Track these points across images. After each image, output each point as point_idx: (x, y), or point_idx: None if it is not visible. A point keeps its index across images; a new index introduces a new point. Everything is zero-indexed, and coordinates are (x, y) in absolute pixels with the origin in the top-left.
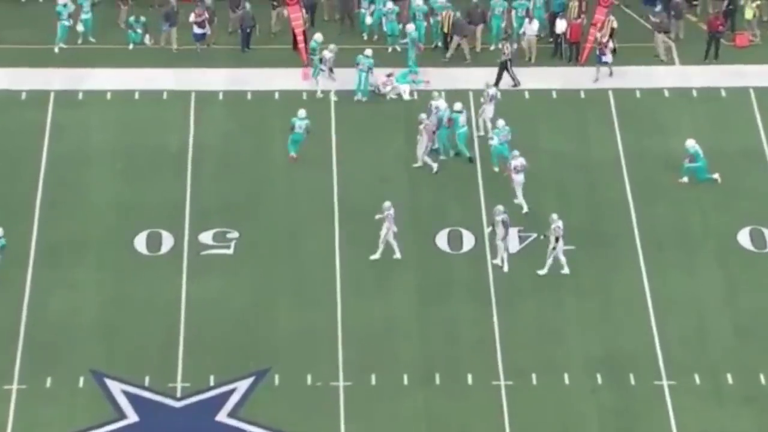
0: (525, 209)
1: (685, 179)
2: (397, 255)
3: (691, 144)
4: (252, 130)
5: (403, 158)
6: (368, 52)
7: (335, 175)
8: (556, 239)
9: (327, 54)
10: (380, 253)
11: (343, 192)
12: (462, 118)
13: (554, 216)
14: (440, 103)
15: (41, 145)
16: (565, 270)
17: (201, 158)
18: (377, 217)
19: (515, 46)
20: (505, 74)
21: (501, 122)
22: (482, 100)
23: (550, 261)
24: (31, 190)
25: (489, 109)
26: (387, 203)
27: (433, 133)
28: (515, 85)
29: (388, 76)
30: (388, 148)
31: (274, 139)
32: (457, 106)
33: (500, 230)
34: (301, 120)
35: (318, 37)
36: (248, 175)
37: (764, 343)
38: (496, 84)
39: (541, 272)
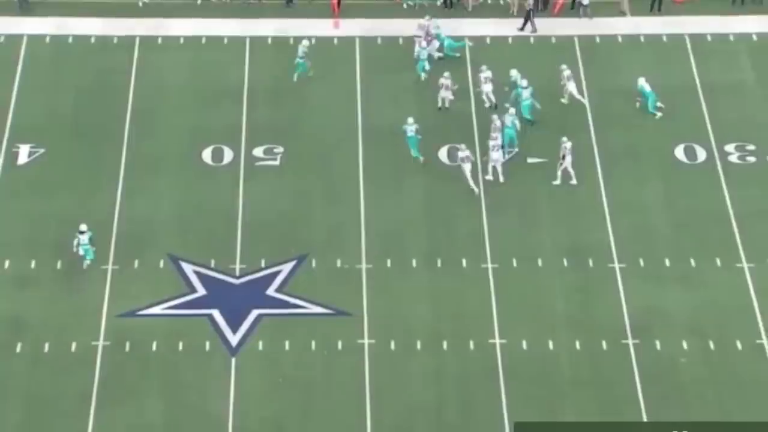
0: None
1: (659, 114)
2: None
3: (641, 82)
4: (293, 68)
5: (413, 92)
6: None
7: (359, 103)
8: (563, 156)
9: None
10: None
11: (365, 117)
12: (527, 93)
13: (564, 138)
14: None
15: (129, 81)
16: (574, 181)
17: (254, 90)
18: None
19: None
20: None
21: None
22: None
23: (559, 173)
24: (121, 116)
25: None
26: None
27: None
28: (533, 31)
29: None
30: (403, 84)
31: (310, 77)
32: (524, 82)
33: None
34: (410, 125)
35: (305, 42)
36: (291, 103)
37: (695, 235)
38: (522, 29)
39: (555, 182)
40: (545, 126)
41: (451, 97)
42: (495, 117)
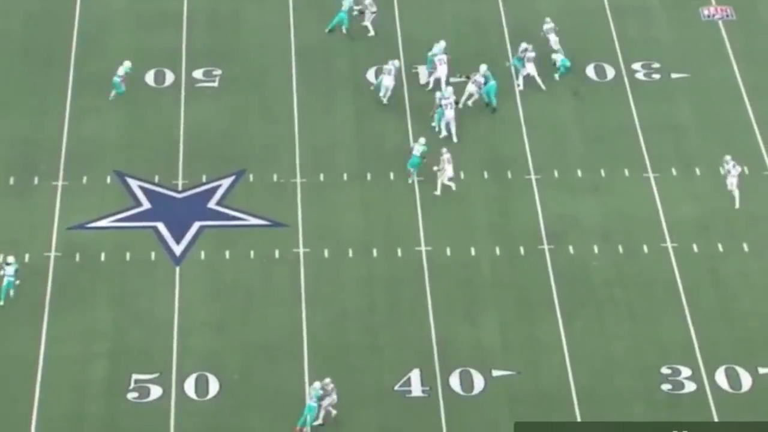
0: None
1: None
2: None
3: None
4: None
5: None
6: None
7: (292, 28)
8: (442, 168)
9: None
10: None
11: (298, 40)
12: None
13: (444, 149)
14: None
15: (74, 7)
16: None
17: (193, 16)
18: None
19: None
20: None
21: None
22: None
23: (440, 184)
24: (68, 41)
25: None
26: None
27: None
28: None
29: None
30: (333, 6)
31: (246, 3)
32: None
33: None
34: (421, 145)
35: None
36: (227, 28)
37: (605, 148)
38: None
39: (436, 192)
40: (469, 53)
41: (393, 84)
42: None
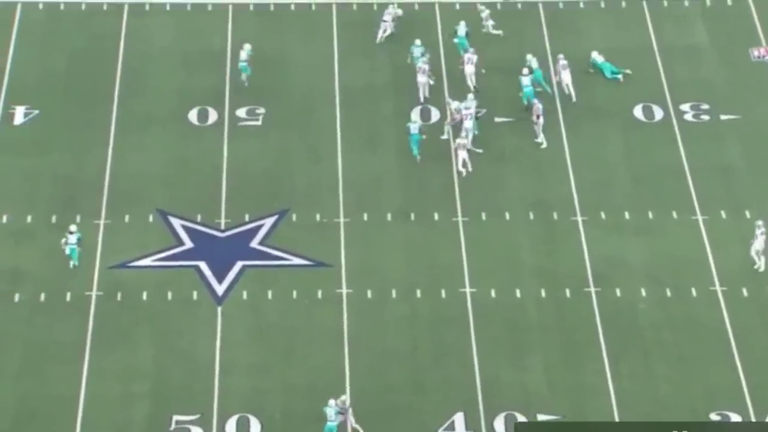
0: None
1: (620, 77)
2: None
3: (594, 55)
4: (274, 34)
5: (388, 56)
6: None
7: (336, 67)
8: (537, 116)
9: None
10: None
11: (342, 80)
12: (526, 80)
13: (536, 100)
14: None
15: (119, 45)
16: (542, 141)
17: (237, 55)
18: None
19: None
20: None
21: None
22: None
23: (538, 131)
24: (112, 79)
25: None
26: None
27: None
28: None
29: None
30: (377, 46)
31: (291, 40)
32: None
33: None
34: (414, 123)
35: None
36: (272, 67)
37: (652, 189)
38: None
39: (537, 140)
40: (513, 87)
41: (432, 82)
42: (449, 101)
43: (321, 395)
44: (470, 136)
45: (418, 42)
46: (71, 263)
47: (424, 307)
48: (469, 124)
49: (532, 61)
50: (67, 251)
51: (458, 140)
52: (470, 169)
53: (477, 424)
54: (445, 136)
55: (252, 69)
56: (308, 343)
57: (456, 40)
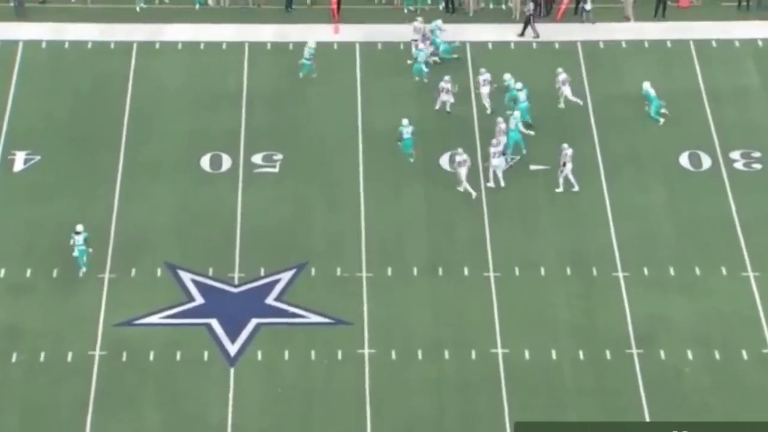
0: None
1: (662, 121)
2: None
3: (646, 86)
4: (292, 74)
5: (414, 98)
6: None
7: (359, 109)
8: (564, 164)
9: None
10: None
11: (365, 123)
12: (522, 95)
13: (564, 144)
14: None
15: (126, 85)
16: (576, 188)
17: (252, 96)
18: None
19: (532, 4)
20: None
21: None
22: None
23: (561, 180)
24: (119, 122)
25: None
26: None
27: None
28: (535, 37)
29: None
30: (403, 89)
31: (309, 81)
32: (518, 85)
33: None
34: (406, 127)
35: (311, 44)
36: (290, 109)
37: (699, 243)
38: (522, 34)
39: (558, 190)
40: (547, 132)
41: (452, 101)
42: (500, 119)
43: None
44: (500, 173)
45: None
46: (80, 271)
47: (452, 369)
48: (496, 161)
49: (510, 80)
50: (76, 253)
51: (458, 157)
52: (472, 194)
53: None
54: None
55: (264, 114)
56: (327, 408)
57: (440, 48)
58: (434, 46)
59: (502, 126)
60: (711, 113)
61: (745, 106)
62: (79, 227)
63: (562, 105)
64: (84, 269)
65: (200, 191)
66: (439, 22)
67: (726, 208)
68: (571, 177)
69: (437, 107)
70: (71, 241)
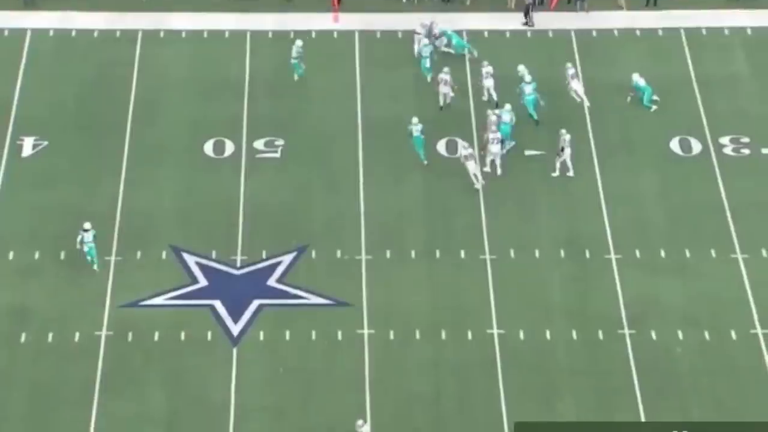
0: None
1: (654, 107)
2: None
3: (635, 77)
4: (293, 66)
5: (412, 86)
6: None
7: (359, 96)
8: (562, 149)
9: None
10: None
11: (364, 110)
12: (529, 88)
13: (563, 130)
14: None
15: (132, 73)
16: (571, 173)
17: (255, 83)
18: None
19: None
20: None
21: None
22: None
23: (558, 164)
24: (124, 109)
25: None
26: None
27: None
28: (530, 25)
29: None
30: (402, 77)
31: (310, 68)
32: (528, 77)
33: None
34: (416, 126)
35: (298, 43)
36: (291, 95)
37: (690, 227)
38: (527, 22)
39: (554, 174)
40: (542, 119)
41: (452, 94)
42: (490, 112)
43: None
44: (498, 161)
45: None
46: (94, 267)
47: (449, 349)
48: (495, 148)
49: (525, 72)
50: (86, 249)
51: (463, 151)
52: (482, 182)
53: None
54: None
55: (268, 100)
56: (328, 387)
57: (453, 41)
58: (447, 38)
59: (493, 118)
60: (701, 100)
61: (734, 93)
62: (87, 225)
63: (574, 97)
64: (96, 265)
65: (204, 176)
66: (447, 27)
67: (715, 192)
68: (569, 162)
69: (441, 103)
70: (78, 238)
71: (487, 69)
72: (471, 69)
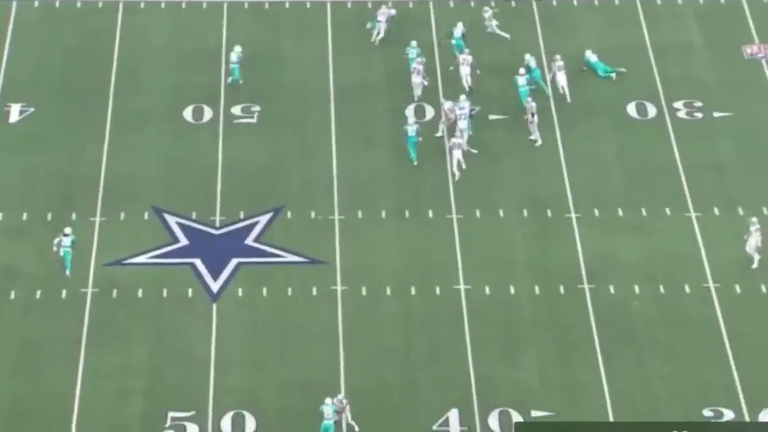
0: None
1: (613, 76)
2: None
3: (588, 54)
4: (269, 31)
5: (383, 59)
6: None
7: (331, 65)
8: (532, 114)
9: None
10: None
11: (336, 78)
12: (522, 80)
13: (528, 98)
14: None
15: (114, 42)
16: (536, 137)
17: (231, 52)
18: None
19: None
20: None
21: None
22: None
23: (532, 129)
24: (107, 77)
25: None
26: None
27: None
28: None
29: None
30: (371, 45)
31: (285, 38)
32: (523, 70)
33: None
34: (411, 126)
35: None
36: (266, 64)
37: (646, 187)
38: None
39: (532, 138)
40: (506, 84)
41: (425, 83)
42: (444, 101)
43: (316, 392)
44: (465, 136)
45: (413, 43)
46: (66, 271)
47: (419, 304)
48: (463, 124)
49: (531, 60)
50: (61, 253)
51: (453, 140)
52: (464, 167)
53: (471, 421)
54: (439, 134)
55: (243, 69)
56: (303, 340)
57: (453, 42)
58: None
59: (447, 106)
60: (656, 67)
61: (687, 60)
62: (68, 230)
63: (549, 92)
64: (69, 271)
65: (184, 141)
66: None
67: (670, 153)
68: (536, 129)
69: (417, 95)
70: (56, 240)
71: (464, 56)
72: (436, 31)
